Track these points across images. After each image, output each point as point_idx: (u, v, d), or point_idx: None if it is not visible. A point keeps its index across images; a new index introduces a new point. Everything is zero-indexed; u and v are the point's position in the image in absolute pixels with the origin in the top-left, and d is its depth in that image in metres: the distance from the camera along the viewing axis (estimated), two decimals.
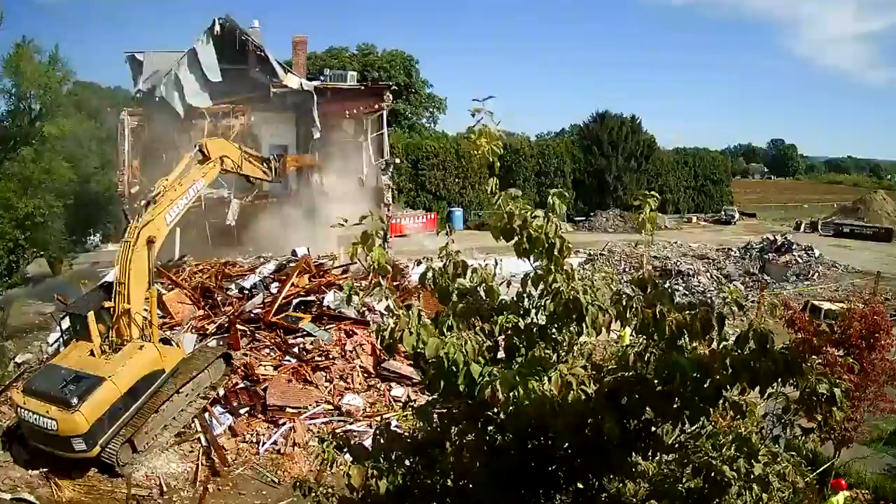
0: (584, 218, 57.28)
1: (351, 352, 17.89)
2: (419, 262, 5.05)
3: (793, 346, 4.37)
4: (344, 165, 28.33)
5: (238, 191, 25.64)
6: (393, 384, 17.21)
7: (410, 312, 4.19)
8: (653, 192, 4.51)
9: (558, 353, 4.48)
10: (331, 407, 16.28)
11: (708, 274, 33.50)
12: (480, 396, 3.92)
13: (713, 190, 69.17)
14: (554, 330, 4.36)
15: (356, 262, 4.50)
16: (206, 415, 15.76)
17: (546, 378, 3.88)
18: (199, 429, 15.39)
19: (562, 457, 4.51)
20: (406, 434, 5.48)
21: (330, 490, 5.27)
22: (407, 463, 4.97)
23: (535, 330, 4.41)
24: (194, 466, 14.36)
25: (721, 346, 3.96)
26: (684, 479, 4.76)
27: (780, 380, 3.81)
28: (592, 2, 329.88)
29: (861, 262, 40.10)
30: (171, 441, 14.94)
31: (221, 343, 17.88)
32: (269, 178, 21.45)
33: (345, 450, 5.07)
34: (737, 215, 63.97)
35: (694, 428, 4.61)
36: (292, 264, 21.83)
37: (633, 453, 4.46)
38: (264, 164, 20.86)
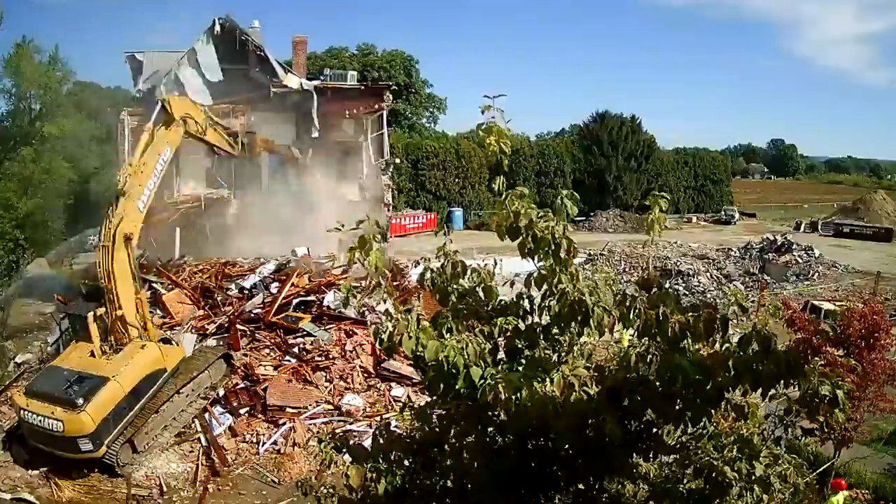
0: (583, 218, 57.18)
1: (351, 352, 17.89)
2: (418, 263, 5.04)
3: (794, 346, 4.35)
4: (343, 166, 28.31)
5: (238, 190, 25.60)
6: (393, 384, 17.20)
7: (409, 316, 4.16)
8: (662, 194, 4.45)
9: (559, 354, 4.47)
10: (331, 407, 16.28)
11: (708, 274, 33.44)
12: (483, 399, 3.90)
13: (713, 190, 69.08)
14: (556, 330, 4.34)
15: (357, 263, 4.47)
16: (206, 415, 15.76)
17: (548, 379, 3.87)
18: (199, 429, 15.39)
19: (562, 457, 4.49)
20: (406, 434, 5.47)
21: (331, 490, 5.25)
22: (406, 463, 4.95)
23: (537, 330, 4.39)
24: (194, 466, 14.37)
25: (724, 348, 3.93)
26: (685, 480, 4.75)
27: (781, 381, 3.80)
28: (592, 2, 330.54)
29: (861, 262, 40.08)
30: (171, 441, 14.94)
31: (221, 343, 17.87)
32: (235, 152, 21.18)
33: (343, 450, 5.05)
34: (737, 215, 63.88)
35: (695, 429, 4.58)
36: (292, 264, 21.83)
37: (635, 454, 4.44)
38: (231, 138, 20.60)
